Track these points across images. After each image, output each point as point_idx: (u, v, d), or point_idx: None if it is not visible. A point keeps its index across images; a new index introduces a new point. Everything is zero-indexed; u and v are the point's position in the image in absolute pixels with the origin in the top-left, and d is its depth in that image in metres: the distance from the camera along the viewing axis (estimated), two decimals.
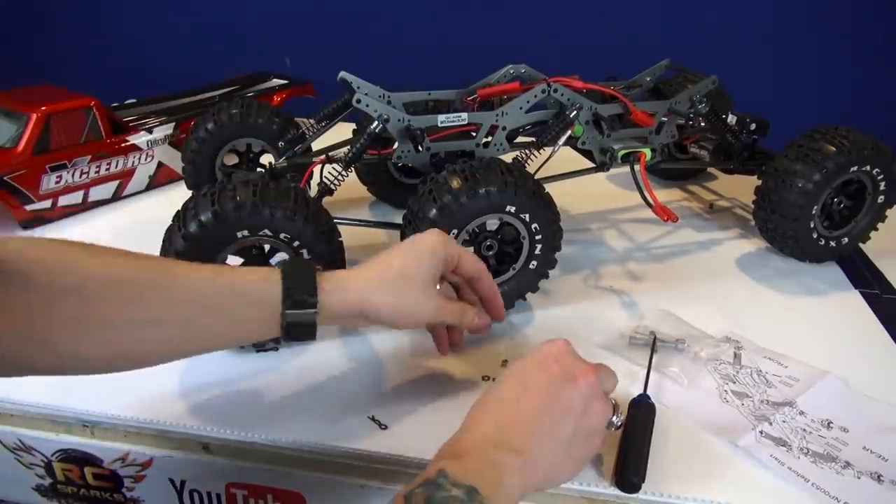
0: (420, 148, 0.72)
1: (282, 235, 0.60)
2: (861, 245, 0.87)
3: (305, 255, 0.62)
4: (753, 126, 0.87)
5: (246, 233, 0.59)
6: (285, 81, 1.19)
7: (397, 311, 0.54)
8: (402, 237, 0.67)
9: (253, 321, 0.50)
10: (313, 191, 0.73)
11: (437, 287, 0.56)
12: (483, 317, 0.60)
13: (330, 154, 0.78)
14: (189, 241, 0.58)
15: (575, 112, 0.75)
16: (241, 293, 0.49)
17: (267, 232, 0.59)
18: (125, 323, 0.46)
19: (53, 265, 0.44)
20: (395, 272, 0.54)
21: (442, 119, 0.73)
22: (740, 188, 1.03)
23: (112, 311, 0.45)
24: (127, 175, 0.99)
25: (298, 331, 0.50)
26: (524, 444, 0.44)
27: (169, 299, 0.47)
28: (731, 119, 0.88)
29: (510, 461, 0.43)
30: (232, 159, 0.92)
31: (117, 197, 1.00)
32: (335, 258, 0.64)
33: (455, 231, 0.65)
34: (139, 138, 0.99)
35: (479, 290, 0.61)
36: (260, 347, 0.66)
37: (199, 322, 0.49)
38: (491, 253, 0.69)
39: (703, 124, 0.85)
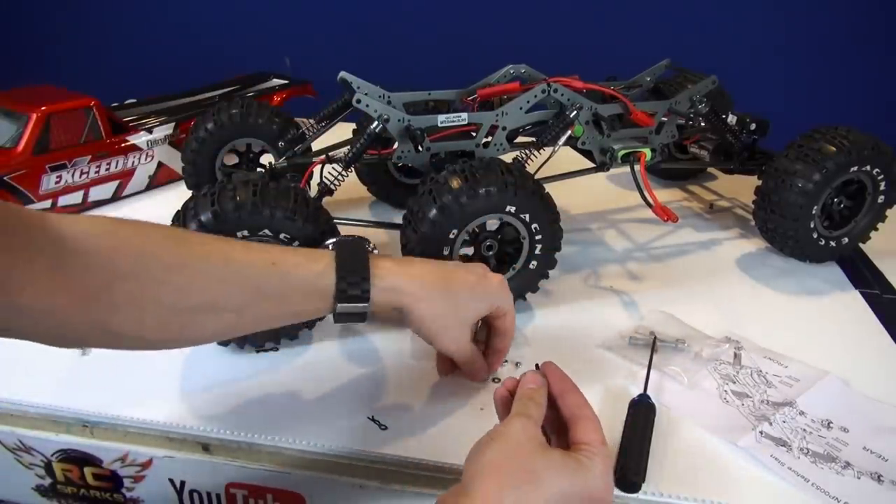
0: (420, 148, 0.72)
1: (282, 235, 0.60)
2: (861, 245, 0.87)
3: None
4: (753, 126, 0.87)
5: (246, 233, 0.59)
6: (285, 81, 1.19)
7: (433, 333, 0.55)
8: (402, 237, 0.67)
9: (306, 309, 0.52)
10: (313, 191, 0.73)
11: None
12: (485, 372, 0.61)
13: (330, 154, 0.78)
14: None
15: (575, 112, 0.74)
16: (297, 285, 0.50)
17: (267, 232, 0.59)
18: (185, 309, 0.47)
19: (114, 246, 0.45)
20: (450, 297, 0.54)
21: (442, 119, 0.73)
22: (740, 188, 1.03)
23: (172, 296, 0.46)
24: (127, 175, 0.99)
25: (348, 319, 0.53)
26: None
27: (228, 288, 0.48)
28: (731, 119, 0.88)
29: None
30: (232, 159, 0.92)
31: (117, 197, 1.00)
32: None
33: (455, 231, 0.65)
34: (139, 138, 0.99)
35: (495, 344, 0.61)
36: (260, 347, 0.66)
37: (255, 309, 0.50)
38: (491, 253, 0.69)
39: (703, 124, 0.85)
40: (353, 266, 0.51)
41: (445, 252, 0.66)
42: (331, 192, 0.74)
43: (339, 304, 0.51)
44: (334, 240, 0.58)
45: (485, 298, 0.56)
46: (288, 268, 0.50)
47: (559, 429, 0.49)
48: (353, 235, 0.59)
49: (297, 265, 0.51)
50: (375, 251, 0.56)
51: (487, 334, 0.61)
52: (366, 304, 0.51)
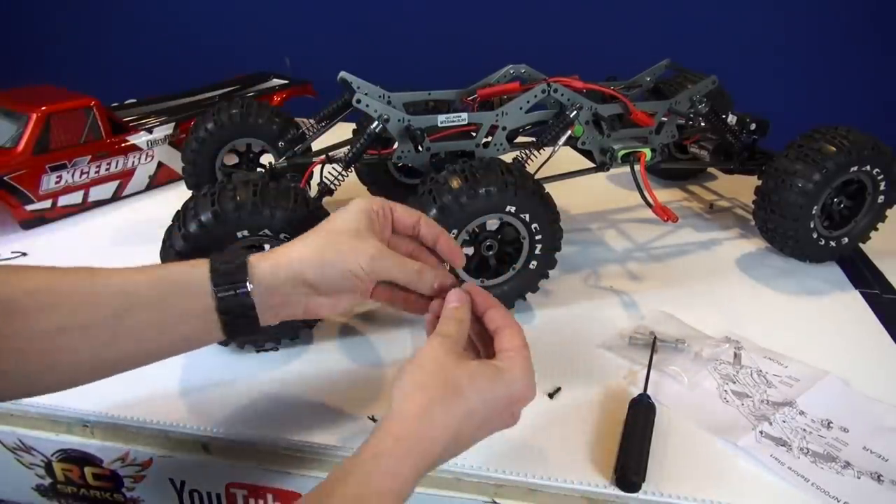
0: (420, 148, 0.72)
1: (282, 235, 0.60)
2: (861, 245, 0.87)
3: None
4: (753, 126, 0.87)
5: (246, 233, 0.59)
6: (285, 81, 1.19)
7: (332, 263, 0.48)
8: None
9: (185, 312, 0.46)
10: (313, 191, 0.73)
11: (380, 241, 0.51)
12: (447, 276, 0.53)
13: (330, 154, 0.78)
14: (189, 241, 0.58)
15: (575, 112, 0.74)
16: (169, 283, 0.46)
17: (267, 232, 0.59)
18: (53, 332, 0.43)
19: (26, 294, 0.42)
20: (323, 232, 0.50)
21: (442, 119, 0.73)
22: (740, 188, 1.03)
23: (36, 321, 0.42)
24: (127, 175, 0.99)
25: (235, 314, 0.46)
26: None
27: (94, 301, 0.44)
28: (731, 119, 0.88)
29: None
30: (232, 159, 0.92)
31: (117, 197, 1.00)
32: None
33: (455, 231, 0.65)
34: (139, 138, 0.99)
35: (425, 240, 0.55)
36: (260, 348, 0.66)
37: (128, 321, 0.44)
38: (491, 253, 0.69)
39: (703, 124, 0.85)
40: (228, 254, 0.49)
41: None
42: (331, 192, 0.74)
43: (219, 295, 0.46)
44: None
45: (349, 210, 0.51)
46: (157, 270, 0.47)
47: (486, 342, 0.50)
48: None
49: (168, 266, 0.49)
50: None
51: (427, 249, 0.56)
52: (247, 289, 0.46)
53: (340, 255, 0.49)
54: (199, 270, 0.47)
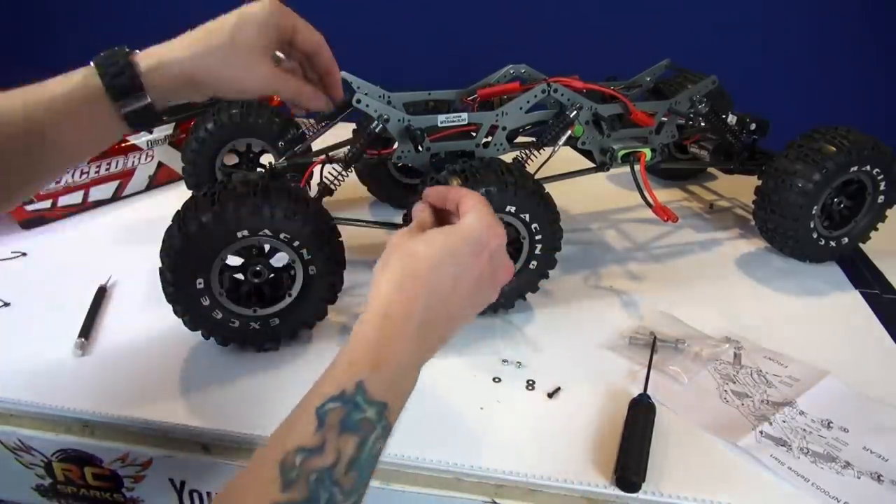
0: (420, 148, 0.71)
1: (282, 235, 0.60)
2: (861, 245, 0.87)
3: (306, 255, 0.62)
4: (753, 126, 0.87)
5: (246, 233, 0.59)
6: None
7: (224, 79, 0.52)
8: None
9: (91, 125, 0.50)
10: (313, 191, 0.73)
11: (273, 58, 0.55)
12: (319, 97, 0.58)
13: (330, 154, 0.78)
14: (189, 240, 0.58)
15: (575, 112, 0.74)
16: (70, 102, 0.48)
17: (267, 232, 0.59)
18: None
19: None
20: (220, 39, 0.51)
21: (442, 119, 0.73)
22: (740, 188, 1.03)
23: None
24: (127, 175, 0.99)
25: (139, 119, 0.50)
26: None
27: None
28: (731, 119, 0.88)
29: (420, 360, 0.43)
30: (232, 159, 0.92)
31: (117, 197, 1.00)
32: (335, 258, 0.64)
33: None
34: (139, 138, 0.99)
35: (317, 66, 0.57)
36: (260, 347, 0.66)
37: (38, 141, 0.48)
38: None
39: (702, 124, 0.85)
40: (114, 61, 0.49)
41: None
42: (331, 192, 0.74)
43: (118, 106, 0.49)
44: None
45: (254, 23, 0.52)
46: (50, 87, 0.49)
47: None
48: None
49: (58, 82, 0.49)
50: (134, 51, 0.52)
51: (312, 67, 0.59)
52: (141, 92, 0.49)
53: (237, 75, 0.52)
54: (92, 83, 0.48)
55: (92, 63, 0.49)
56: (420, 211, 0.53)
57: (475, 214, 0.47)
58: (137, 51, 0.50)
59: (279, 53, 0.57)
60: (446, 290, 0.43)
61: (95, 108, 0.49)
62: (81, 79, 0.49)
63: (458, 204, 0.49)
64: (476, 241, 0.45)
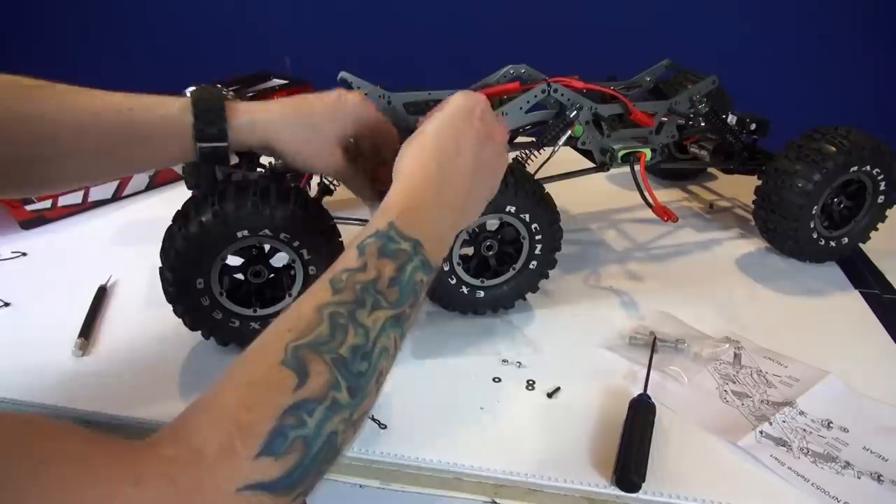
0: None
1: (282, 235, 0.60)
2: (861, 245, 0.87)
3: (306, 255, 0.62)
4: (753, 126, 0.87)
5: (246, 233, 0.59)
6: (285, 81, 1.19)
7: (301, 155, 0.57)
8: None
9: (169, 152, 0.55)
10: (313, 191, 0.73)
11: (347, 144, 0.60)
12: (367, 191, 0.63)
13: None
14: (189, 241, 0.58)
15: (575, 112, 0.74)
16: (155, 128, 0.53)
17: (267, 232, 0.59)
18: (22, 160, 0.51)
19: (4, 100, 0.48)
20: (310, 120, 0.57)
21: None
22: (740, 188, 1.03)
23: (28, 148, 0.50)
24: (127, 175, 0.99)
25: (212, 158, 0.55)
26: (458, 202, 0.50)
27: (63, 138, 0.51)
28: (732, 119, 0.88)
29: (447, 218, 0.49)
30: (232, 159, 0.92)
31: (117, 197, 1.00)
32: (335, 257, 0.63)
33: None
34: None
35: (381, 154, 0.62)
36: None
37: (115, 155, 0.53)
38: (491, 253, 0.69)
39: (703, 124, 0.85)
40: (209, 105, 0.54)
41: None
42: (330, 192, 0.74)
43: (198, 144, 0.54)
44: (193, 88, 0.59)
45: (343, 116, 0.58)
46: (143, 112, 0.53)
47: None
48: (210, 84, 0.59)
49: (151, 109, 0.54)
50: (230, 94, 0.58)
51: (374, 151, 0.63)
52: (224, 144, 0.54)
53: (312, 158, 0.58)
54: (182, 121, 0.53)
55: (189, 99, 0.54)
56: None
57: (457, 95, 0.54)
58: (231, 93, 0.55)
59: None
60: (452, 148, 0.50)
61: (179, 139, 0.54)
62: (177, 112, 0.54)
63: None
64: (461, 107, 0.53)
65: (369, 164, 0.62)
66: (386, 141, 0.61)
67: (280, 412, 0.33)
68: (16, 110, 0.50)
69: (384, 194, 0.48)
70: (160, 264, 0.60)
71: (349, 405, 0.36)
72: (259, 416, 0.33)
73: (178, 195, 0.64)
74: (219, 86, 0.59)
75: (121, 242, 0.89)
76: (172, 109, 0.54)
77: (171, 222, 0.60)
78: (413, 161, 0.49)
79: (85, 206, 0.96)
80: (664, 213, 0.74)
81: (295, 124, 0.56)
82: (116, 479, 0.28)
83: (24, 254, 0.84)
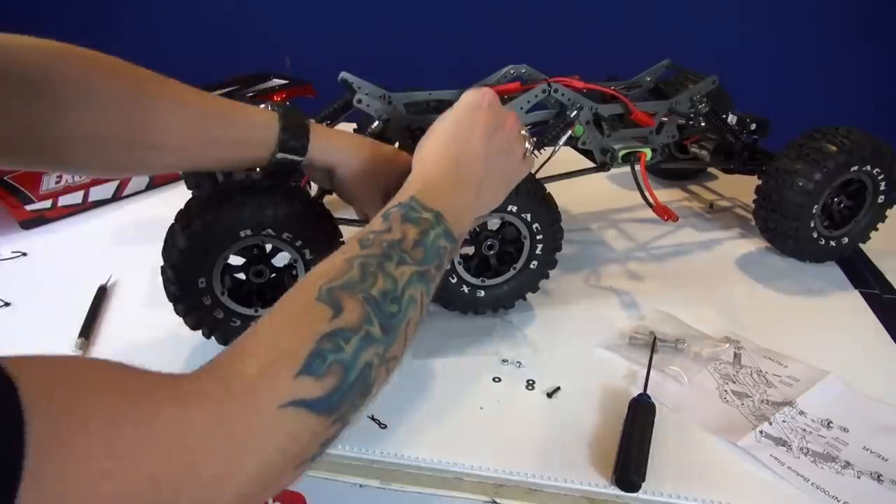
0: None
1: (284, 235, 0.60)
2: (861, 245, 0.87)
3: (308, 255, 0.62)
4: (754, 126, 0.87)
5: (248, 232, 0.59)
6: (285, 81, 1.19)
7: (350, 193, 0.61)
8: None
9: (247, 155, 0.57)
10: (314, 191, 0.73)
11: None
12: None
13: None
14: (192, 239, 0.58)
15: (575, 112, 0.75)
16: (243, 134, 0.56)
17: (270, 231, 0.59)
18: (129, 144, 0.51)
19: (66, 76, 0.47)
20: (373, 166, 0.60)
21: None
22: (740, 188, 1.03)
23: (117, 132, 0.50)
24: None
25: (283, 167, 0.58)
26: (477, 179, 0.52)
27: (171, 129, 0.53)
28: (732, 119, 0.88)
29: (467, 193, 0.51)
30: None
31: (117, 197, 1.00)
32: None
33: None
34: None
35: None
36: None
37: (201, 152, 0.55)
38: (492, 252, 0.69)
39: (703, 124, 0.85)
40: (296, 122, 0.57)
41: None
42: (331, 192, 0.74)
43: (279, 154, 0.56)
44: (273, 104, 0.62)
45: (397, 172, 0.58)
46: (237, 118, 0.56)
47: None
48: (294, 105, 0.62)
49: (245, 116, 0.56)
50: (311, 120, 0.60)
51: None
52: (300, 159, 0.57)
53: (365, 200, 0.61)
54: (270, 132, 0.56)
55: (276, 112, 0.57)
56: None
57: (466, 93, 0.57)
58: (313, 121, 0.59)
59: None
60: (465, 136, 0.53)
61: (264, 147, 0.57)
62: (266, 122, 0.56)
63: None
64: (470, 102, 0.55)
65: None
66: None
67: (318, 337, 0.35)
68: (131, 98, 0.51)
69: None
70: (162, 263, 0.60)
71: (382, 340, 0.38)
72: (298, 340, 0.34)
73: (178, 195, 0.64)
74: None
75: (121, 242, 0.89)
76: (262, 119, 0.57)
77: (173, 221, 0.60)
78: (430, 148, 0.53)
79: (85, 206, 0.96)
80: (665, 213, 0.74)
81: (361, 168, 0.60)
82: (157, 400, 0.29)
83: (24, 254, 0.84)
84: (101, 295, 0.75)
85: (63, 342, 0.66)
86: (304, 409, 0.33)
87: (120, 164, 0.55)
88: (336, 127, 0.83)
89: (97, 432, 0.26)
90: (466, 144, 0.53)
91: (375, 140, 0.63)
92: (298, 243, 0.61)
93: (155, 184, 1.04)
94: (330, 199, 0.72)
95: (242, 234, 0.59)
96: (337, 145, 0.60)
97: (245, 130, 0.56)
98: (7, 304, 0.74)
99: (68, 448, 0.25)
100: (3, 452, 0.23)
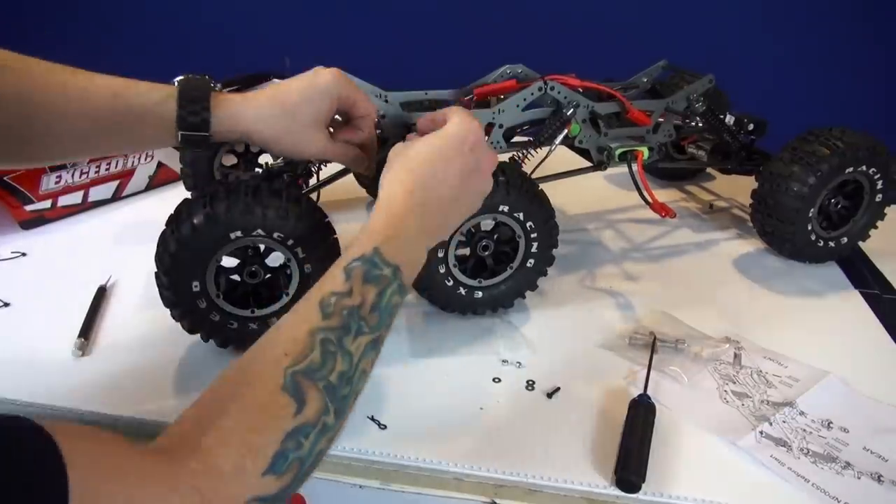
0: None
1: (275, 235, 0.60)
2: (861, 245, 0.87)
3: (300, 254, 0.61)
4: (751, 126, 0.87)
5: (239, 233, 0.59)
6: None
7: (282, 144, 0.59)
8: None
9: (150, 137, 0.58)
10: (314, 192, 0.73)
11: (330, 126, 0.62)
12: (363, 161, 0.65)
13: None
14: (182, 244, 0.58)
15: (572, 110, 0.74)
16: (139, 115, 0.55)
17: (260, 232, 0.59)
18: (27, 137, 0.53)
19: None
20: (286, 108, 0.58)
21: None
22: (738, 189, 1.03)
23: (22, 125, 0.52)
24: (126, 175, 0.99)
25: (192, 144, 0.57)
26: (439, 229, 0.54)
27: (72, 118, 0.54)
28: (729, 119, 0.87)
29: (426, 241, 0.52)
30: (230, 160, 0.92)
31: (117, 197, 0.99)
32: (330, 255, 0.63)
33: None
34: None
35: (360, 132, 0.64)
36: None
37: (99, 137, 0.56)
38: (487, 253, 0.69)
39: (700, 124, 0.85)
40: (194, 96, 0.56)
41: (440, 254, 0.66)
42: (311, 175, 0.74)
43: (180, 132, 0.55)
44: (181, 77, 0.60)
45: (320, 96, 0.59)
46: (130, 98, 0.55)
47: None
48: (199, 74, 0.60)
49: (139, 95, 0.55)
50: (218, 87, 0.59)
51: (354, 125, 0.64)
52: (206, 134, 0.56)
53: (294, 144, 0.59)
54: (166, 110, 0.55)
55: (176, 88, 0.56)
56: (414, 136, 0.59)
57: (455, 119, 0.55)
58: (219, 86, 0.58)
59: (337, 117, 0.64)
60: (437, 178, 0.52)
61: (163, 126, 0.56)
62: (162, 99, 0.56)
63: (445, 119, 0.56)
64: (455, 137, 0.53)
65: (357, 138, 0.64)
66: (365, 117, 0.63)
67: (283, 436, 0.38)
68: (20, 93, 0.52)
69: (382, 163, 0.54)
70: (155, 269, 0.60)
71: (333, 426, 0.41)
72: (265, 438, 0.38)
73: (177, 195, 0.64)
74: (207, 76, 0.60)
75: (121, 242, 0.89)
76: (158, 96, 0.55)
77: (164, 226, 0.60)
78: (397, 182, 0.52)
79: (85, 206, 0.96)
80: (662, 210, 0.73)
81: (271, 115, 0.57)
82: (160, 488, 0.34)
83: (24, 254, 0.84)
84: (101, 295, 0.75)
85: (63, 342, 0.66)
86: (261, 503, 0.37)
87: (16, 157, 0.56)
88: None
89: None
90: (437, 188, 0.52)
91: (284, 81, 0.61)
92: (290, 242, 0.61)
93: (155, 184, 1.04)
94: (326, 200, 0.72)
95: (233, 235, 0.59)
96: (240, 111, 0.57)
97: (140, 112, 0.55)
98: (7, 305, 0.74)
99: None
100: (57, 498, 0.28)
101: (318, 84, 0.59)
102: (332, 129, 0.63)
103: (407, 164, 0.52)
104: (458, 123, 0.54)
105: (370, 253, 0.46)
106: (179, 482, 0.34)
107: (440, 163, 0.52)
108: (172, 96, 0.55)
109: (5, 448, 0.29)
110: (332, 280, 0.45)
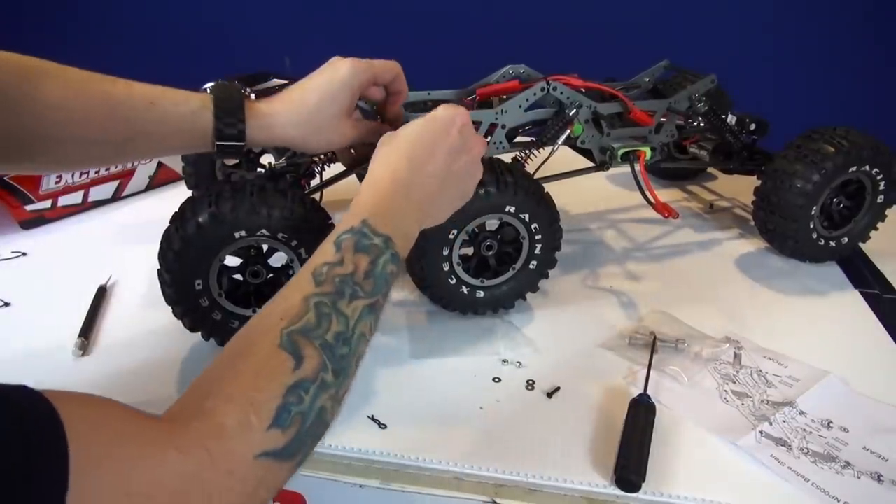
0: None
1: (279, 235, 0.60)
2: (861, 245, 0.87)
3: (304, 254, 0.61)
4: (753, 126, 0.87)
5: (243, 233, 0.59)
6: (285, 81, 1.19)
7: (313, 143, 0.61)
8: None
9: (186, 144, 0.59)
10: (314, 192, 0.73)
11: (353, 112, 0.64)
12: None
13: (330, 154, 0.78)
14: (187, 242, 0.58)
15: (574, 110, 0.74)
16: (175, 125, 0.56)
17: (264, 232, 0.59)
18: (65, 140, 0.54)
19: (9, 82, 0.51)
20: (310, 109, 0.60)
21: None
22: (740, 188, 1.03)
23: (60, 131, 0.54)
24: (127, 175, 0.99)
25: (227, 153, 0.59)
26: (427, 203, 0.54)
27: (109, 126, 0.55)
28: (731, 119, 0.87)
29: (415, 216, 0.53)
30: (232, 159, 0.92)
31: (117, 197, 1.00)
32: None
33: (454, 231, 0.65)
34: None
35: (391, 89, 0.67)
36: None
37: (136, 143, 0.56)
38: (491, 253, 0.69)
39: (702, 124, 0.85)
40: (230, 108, 0.57)
41: (445, 252, 0.66)
42: (314, 175, 0.74)
43: (217, 143, 0.57)
44: (212, 84, 0.62)
45: (340, 90, 0.60)
46: (167, 107, 0.56)
47: None
48: (229, 80, 0.62)
49: (175, 105, 0.56)
50: (252, 96, 0.61)
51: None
52: (242, 143, 0.57)
53: (325, 139, 0.61)
54: (202, 121, 0.56)
55: (210, 97, 0.57)
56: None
57: (442, 106, 0.57)
58: (252, 95, 0.59)
59: (363, 104, 0.67)
60: (424, 157, 0.53)
61: (200, 136, 0.57)
62: (197, 109, 0.57)
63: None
64: (441, 119, 0.55)
65: (390, 113, 0.68)
66: (392, 79, 0.66)
67: (284, 391, 0.38)
68: (14, 95, 0.52)
69: None
70: (158, 266, 0.60)
71: (334, 384, 0.41)
72: (268, 395, 0.38)
73: (178, 195, 0.64)
74: (237, 82, 0.60)
75: (121, 242, 0.89)
76: (194, 105, 0.56)
77: (168, 224, 0.60)
78: (385, 163, 0.53)
79: (85, 206, 0.96)
80: (665, 210, 0.74)
81: (298, 119, 0.59)
82: (164, 450, 0.33)
83: (24, 254, 0.84)
84: (101, 295, 0.75)
85: (63, 342, 0.66)
86: (272, 458, 0.37)
87: (25, 159, 0.57)
88: None
89: (117, 474, 0.31)
90: (424, 165, 0.53)
91: (304, 83, 0.62)
92: (294, 243, 0.61)
93: (155, 184, 1.04)
94: (329, 200, 0.72)
95: (237, 235, 0.59)
96: (275, 121, 0.59)
97: (175, 121, 0.56)
98: (7, 304, 0.74)
99: (98, 476, 0.30)
100: (57, 470, 0.28)
101: (336, 79, 0.61)
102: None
103: (395, 144, 0.54)
104: (444, 108, 0.56)
105: (359, 225, 0.47)
106: (185, 443, 0.34)
107: (427, 141, 0.54)
108: (208, 107, 0.56)
109: (4, 414, 0.29)
110: (323, 253, 0.46)
